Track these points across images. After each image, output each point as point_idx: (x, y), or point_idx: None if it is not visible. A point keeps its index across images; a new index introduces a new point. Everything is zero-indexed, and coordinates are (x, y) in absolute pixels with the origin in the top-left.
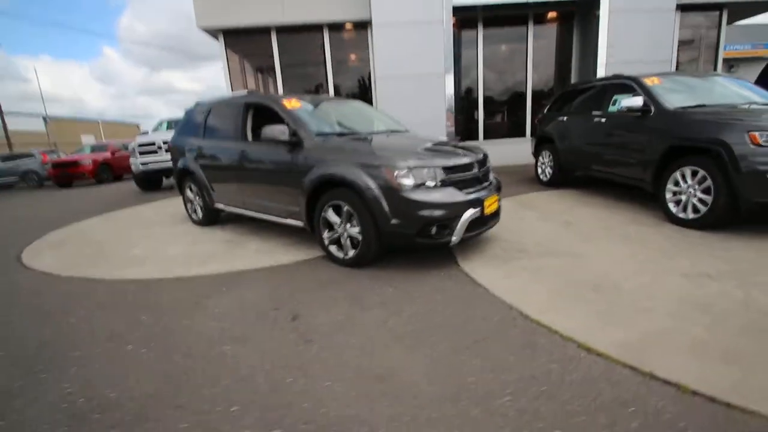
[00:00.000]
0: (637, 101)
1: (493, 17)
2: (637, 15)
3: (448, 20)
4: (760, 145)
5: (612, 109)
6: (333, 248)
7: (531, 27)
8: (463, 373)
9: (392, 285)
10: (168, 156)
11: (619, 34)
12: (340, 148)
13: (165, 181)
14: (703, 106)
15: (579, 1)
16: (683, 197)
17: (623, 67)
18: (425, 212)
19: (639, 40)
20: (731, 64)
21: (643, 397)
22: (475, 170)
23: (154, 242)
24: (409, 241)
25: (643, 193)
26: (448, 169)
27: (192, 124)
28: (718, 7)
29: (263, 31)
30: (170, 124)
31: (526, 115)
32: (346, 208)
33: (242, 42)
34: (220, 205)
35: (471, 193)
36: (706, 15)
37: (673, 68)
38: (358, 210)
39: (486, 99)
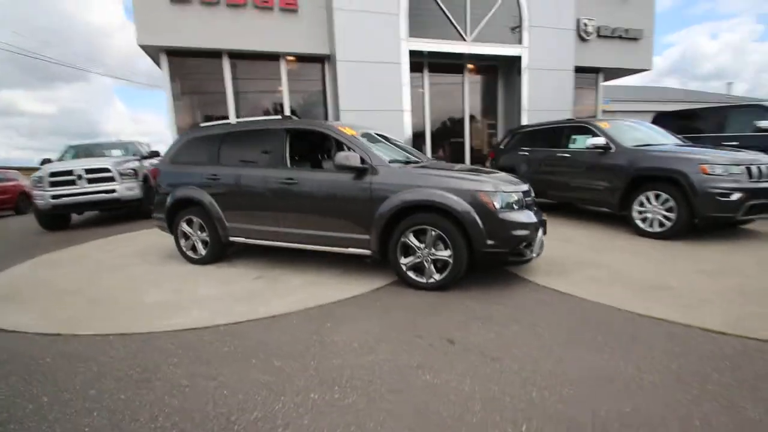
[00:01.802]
0: (601, 140)
1: (436, 64)
2: (548, 73)
3: (406, 62)
4: (708, 174)
5: (572, 146)
6: (411, 273)
7: (466, 75)
8: (640, 358)
9: (496, 303)
10: (91, 188)
11: (534, 87)
12: (422, 175)
13: (74, 218)
14: (650, 144)
15: (501, 58)
16: (649, 215)
17: (538, 114)
18: (517, 232)
19: (548, 93)
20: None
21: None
22: (532, 195)
23: (167, 285)
24: (503, 259)
25: (600, 214)
26: (524, 193)
27: (194, 150)
28: (596, 71)
29: (214, 55)
30: (77, 152)
31: (465, 148)
32: (433, 232)
33: (188, 65)
34: (236, 239)
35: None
36: (588, 76)
37: (571, 116)
38: (450, 233)
39: (432, 134)
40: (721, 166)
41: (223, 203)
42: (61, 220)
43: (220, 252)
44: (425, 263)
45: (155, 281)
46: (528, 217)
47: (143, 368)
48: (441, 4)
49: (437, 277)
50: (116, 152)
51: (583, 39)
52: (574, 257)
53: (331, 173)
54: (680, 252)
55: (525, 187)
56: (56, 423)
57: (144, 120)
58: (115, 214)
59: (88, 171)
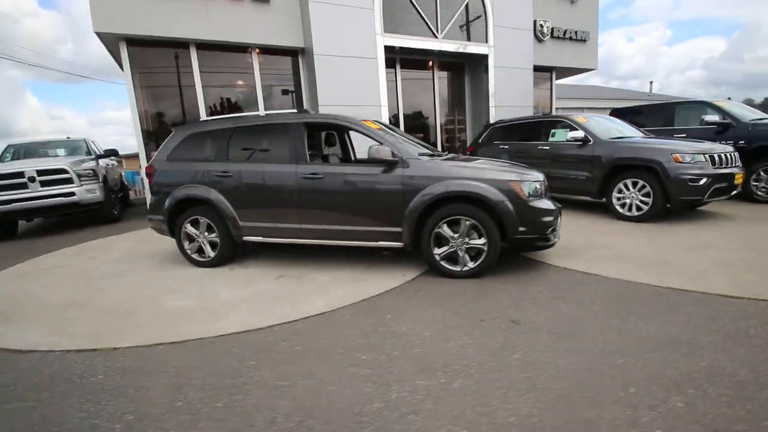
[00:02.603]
0: (579, 134)
1: (407, 60)
2: (511, 71)
3: (381, 57)
4: (680, 162)
5: (551, 139)
6: (444, 263)
7: (435, 71)
8: (685, 322)
9: (533, 285)
10: (45, 191)
11: (499, 84)
12: (453, 167)
13: (19, 226)
14: (623, 137)
15: (468, 56)
16: (627, 201)
17: (504, 110)
18: (546, 218)
19: (512, 89)
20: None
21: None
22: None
23: (185, 291)
24: (532, 245)
25: (580, 202)
26: (544, 182)
27: (196, 146)
28: (550, 69)
29: (180, 45)
30: (17, 152)
31: (437, 140)
32: (467, 222)
33: (151, 55)
34: (251, 239)
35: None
36: (543, 75)
37: (532, 112)
38: (484, 222)
39: (405, 127)
40: (689, 154)
41: (236, 201)
42: (6, 229)
43: (231, 253)
44: (459, 252)
45: (168, 287)
46: (552, 204)
47: (222, 374)
48: (413, 1)
49: (471, 264)
50: (61, 151)
51: (539, 39)
52: (574, 241)
53: (358, 167)
54: (659, 232)
55: (542, 176)
56: None
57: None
58: (60, 221)
59: (42, 172)
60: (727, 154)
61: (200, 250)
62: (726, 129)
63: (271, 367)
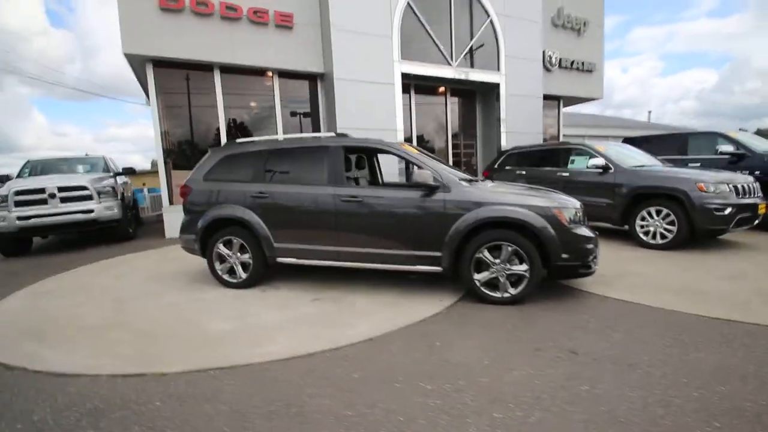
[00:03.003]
0: (600, 161)
1: (421, 86)
2: (521, 99)
3: (398, 83)
4: (704, 192)
5: (570, 166)
6: (484, 289)
7: (448, 98)
8: (746, 354)
9: (578, 313)
10: (64, 207)
11: (510, 111)
12: (494, 193)
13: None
14: (644, 165)
15: (480, 84)
16: (651, 228)
17: (515, 136)
18: (588, 245)
19: (522, 117)
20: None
21: None
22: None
23: (223, 313)
24: (574, 272)
25: (598, 229)
26: (582, 209)
27: (232, 167)
28: (557, 98)
29: (204, 68)
30: (35, 168)
31: (449, 163)
32: (510, 248)
33: (176, 76)
34: (285, 260)
35: None
36: (551, 103)
37: (542, 139)
38: (526, 248)
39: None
40: (713, 184)
41: (272, 222)
42: (21, 245)
43: (262, 275)
44: (500, 278)
45: (204, 309)
46: (590, 231)
47: (284, 402)
48: (429, 30)
49: (513, 291)
50: (79, 168)
51: (547, 69)
52: (604, 268)
53: (398, 190)
54: (687, 260)
55: (579, 203)
56: None
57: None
58: (75, 238)
59: (62, 189)
60: (749, 185)
61: (231, 271)
62: (740, 159)
63: (332, 395)
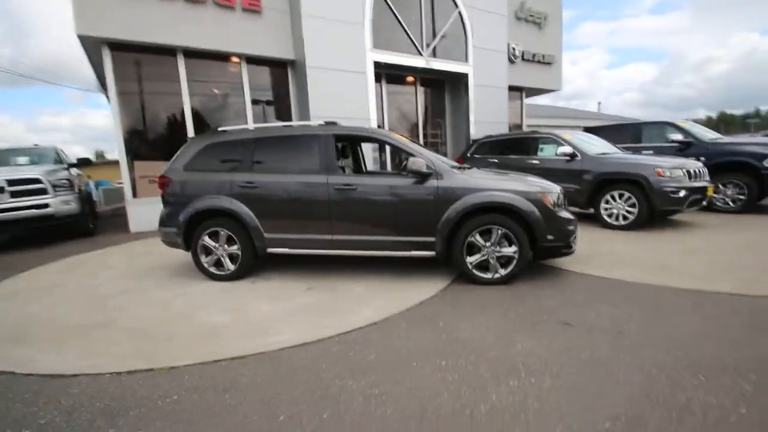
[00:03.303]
0: (568, 149)
1: (392, 75)
2: (488, 89)
3: (371, 72)
4: (662, 176)
5: (540, 154)
6: (476, 271)
7: (418, 87)
8: (718, 317)
9: (563, 290)
10: (15, 202)
11: (478, 101)
12: (483, 179)
13: None
14: (607, 153)
15: (448, 74)
16: (614, 211)
17: (483, 126)
18: (570, 227)
19: (489, 107)
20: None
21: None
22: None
23: (216, 306)
24: (557, 252)
25: None
26: (562, 194)
27: (215, 156)
28: (520, 89)
29: (167, 52)
30: None
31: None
32: (500, 231)
33: (136, 62)
34: (276, 250)
35: None
36: (514, 94)
37: (507, 128)
38: (515, 231)
39: None
40: (669, 169)
41: (261, 213)
42: None
43: (250, 266)
44: (491, 260)
45: (195, 303)
46: (570, 214)
47: (308, 387)
48: (400, 20)
49: (503, 272)
50: (28, 159)
51: (511, 61)
52: (580, 249)
53: (392, 178)
54: (648, 239)
55: (560, 188)
56: None
57: None
58: (23, 236)
59: (12, 182)
60: (699, 169)
61: (218, 263)
62: (688, 147)
63: (353, 377)
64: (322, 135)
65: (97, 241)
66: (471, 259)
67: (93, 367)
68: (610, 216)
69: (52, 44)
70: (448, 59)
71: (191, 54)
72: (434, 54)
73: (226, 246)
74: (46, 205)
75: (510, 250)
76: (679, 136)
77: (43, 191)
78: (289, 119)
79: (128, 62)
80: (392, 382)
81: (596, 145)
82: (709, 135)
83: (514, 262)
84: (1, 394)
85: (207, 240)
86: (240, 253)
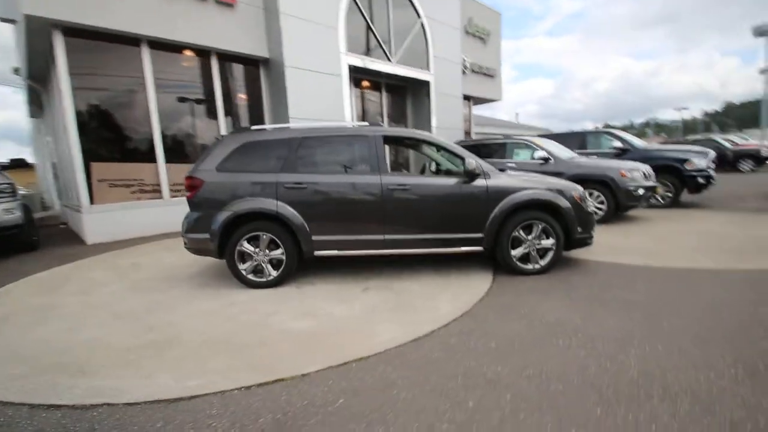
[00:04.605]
0: (543, 153)
1: (360, 79)
2: (446, 97)
3: (346, 75)
4: (626, 177)
5: (516, 158)
6: (519, 263)
7: (383, 92)
8: (721, 288)
9: (593, 275)
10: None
11: (438, 108)
12: (525, 179)
13: None
14: (573, 157)
15: (411, 80)
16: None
17: (443, 131)
18: (592, 220)
19: (448, 113)
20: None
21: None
22: None
23: (284, 312)
24: (584, 242)
25: None
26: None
27: (252, 156)
28: (469, 98)
29: (130, 41)
30: None
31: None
32: (540, 225)
33: (93, 49)
34: (324, 253)
35: None
36: (464, 102)
37: (463, 134)
38: (553, 225)
39: None
40: (630, 171)
41: (309, 214)
42: None
43: (291, 271)
44: (531, 252)
45: (258, 311)
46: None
47: (462, 373)
48: (372, 26)
49: (542, 263)
50: None
51: (463, 72)
52: None
53: (443, 178)
54: (620, 230)
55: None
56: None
57: None
58: None
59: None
60: (649, 171)
61: (255, 270)
62: (624, 152)
63: (497, 362)
64: (371, 136)
65: (47, 256)
66: (515, 252)
67: (207, 386)
68: None
69: None
70: (413, 66)
71: (157, 45)
72: (402, 61)
73: (267, 251)
74: None
75: (548, 243)
76: (618, 144)
77: None
78: (262, 118)
79: (84, 50)
80: (520, 368)
81: (563, 151)
82: (641, 143)
83: (551, 253)
84: (123, 427)
85: (246, 245)
86: (284, 257)
